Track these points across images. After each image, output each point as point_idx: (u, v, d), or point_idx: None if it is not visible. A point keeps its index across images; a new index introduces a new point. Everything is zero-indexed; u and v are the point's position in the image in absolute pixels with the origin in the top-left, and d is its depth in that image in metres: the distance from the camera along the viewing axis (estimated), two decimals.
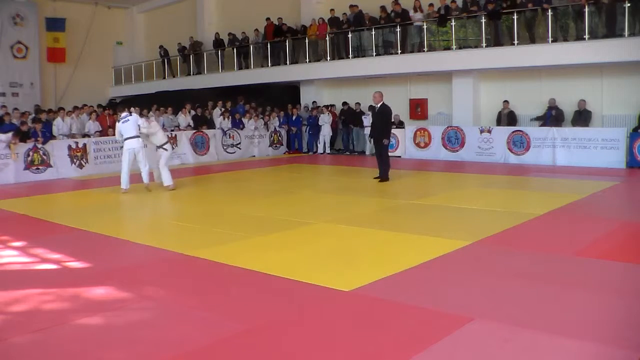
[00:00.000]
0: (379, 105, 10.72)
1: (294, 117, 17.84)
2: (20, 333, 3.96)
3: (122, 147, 10.49)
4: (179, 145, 15.39)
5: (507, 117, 14.38)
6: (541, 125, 13.62)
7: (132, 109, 11.24)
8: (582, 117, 13.29)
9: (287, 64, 18.56)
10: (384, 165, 10.79)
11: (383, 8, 16.29)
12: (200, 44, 21.99)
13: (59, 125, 13.99)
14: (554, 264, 5.27)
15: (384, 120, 10.75)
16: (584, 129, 12.92)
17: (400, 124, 15.85)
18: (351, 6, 17.09)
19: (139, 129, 10.23)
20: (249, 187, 10.98)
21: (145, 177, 10.36)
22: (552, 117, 13.51)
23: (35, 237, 6.94)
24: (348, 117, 16.89)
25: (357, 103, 16.85)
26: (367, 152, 16.21)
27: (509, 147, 13.63)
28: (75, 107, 15.45)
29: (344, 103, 17.17)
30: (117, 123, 10.68)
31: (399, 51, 15.70)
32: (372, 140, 11.14)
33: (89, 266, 5.68)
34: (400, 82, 16.86)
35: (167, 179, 10.43)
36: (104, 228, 7.23)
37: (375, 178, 10.88)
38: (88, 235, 6.98)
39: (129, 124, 10.20)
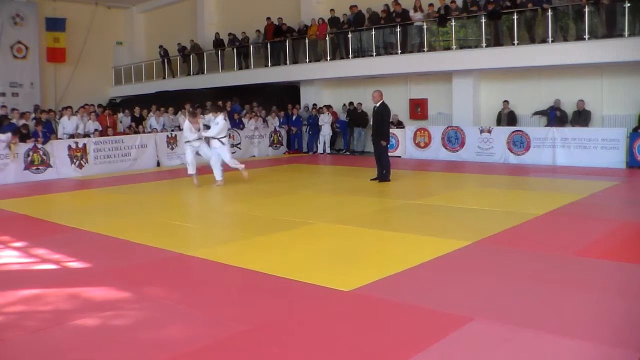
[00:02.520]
0: (377, 105, 10.70)
1: (294, 117, 17.84)
2: (20, 333, 3.96)
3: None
4: (179, 145, 15.37)
5: (507, 117, 14.38)
6: (545, 126, 13.61)
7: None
8: (582, 117, 13.29)
9: (287, 64, 18.55)
10: (383, 167, 10.77)
11: (386, 7, 16.29)
12: (199, 47, 21.96)
13: (64, 123, 13.99)
14: (554, 264, 5.27)
15: (381, 120, 10.73)
16: (584, 129, 12.92)
17: (400, 124, 15.85)
18: (351, 6, 17.09)
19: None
20: (248, 187, 10.97)
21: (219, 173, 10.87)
22: (555, 117, 13.51)
23: (35, 237, 6.94)
24: (353, 118, 16.88)
25: (359, 103, 16.85)
26: None
27: (509, 147, 13.62)
28: (83, 107, 15.44)
29: (350, 103, 17.13)
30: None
31: (399, 51, 15.70)
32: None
33: (88, 266, 5.69)
34: (400, 82, 16.86)
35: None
36: (104, 228, 7.24)
37: (372, 179, 10.86)
38: (88, 235, 6.99)
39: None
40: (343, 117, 17.43)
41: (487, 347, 3.53)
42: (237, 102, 18.01)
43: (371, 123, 11.46)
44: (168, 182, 12.11)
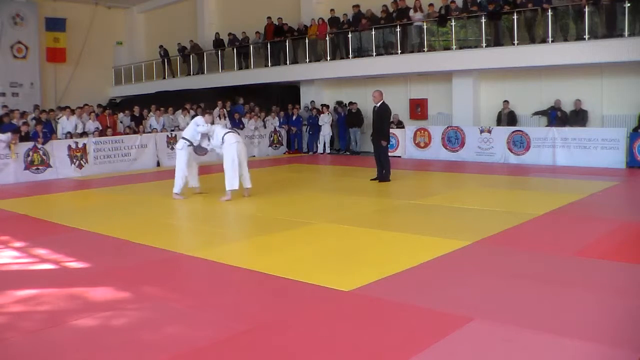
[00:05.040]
0: (378, 105, 10.71)
1: (294, 117, 17.83)
2: (20, 333, 3.96)
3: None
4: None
5: (507, 117, 14.38)
6: (546, 126, 13.61)
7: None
8: (579, 117, 13.30)
9: (287, 64, 18.55)
10: (383, 167, 10.78)
11: (385, 7, 16.29)
12: (199, 47, 21.95)
13: (63, 123, 13.99)
14: (554, 264, 5.27)
15: (382, 120, 10.74)
16: (584, 129, 12.92)
17: (400, 124, 15.84)
18: (353, 6, 17.08)
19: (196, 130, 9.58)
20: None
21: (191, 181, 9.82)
22: (556, 117, 13.51)
23: (35, 237, 6.94)
24: (348, 118, 16.87)
25: (349, 102, 16.86)
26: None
27: (509, 147, 13.62)
28: (83, 106, 15.42)
29: (350, 103, 17.11)
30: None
31: (399, 51, 15.70)
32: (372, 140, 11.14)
33: (88, 266, 5.68)
34: (400, 82, 16.85)
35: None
36: (104, 228, 7.23)
37: (372, 179, 10.86)
38: (88, 235, 6.99)
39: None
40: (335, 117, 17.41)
41: (487, 347, 3.53)
42: (240, 102, 17.88)
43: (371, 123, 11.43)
44: (168, 182, 12.08)
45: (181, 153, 9.61)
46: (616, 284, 4.68)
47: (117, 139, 14.31)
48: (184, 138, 9.73)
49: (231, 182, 9.03)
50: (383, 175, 10.75)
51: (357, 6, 16.97)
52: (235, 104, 17.78)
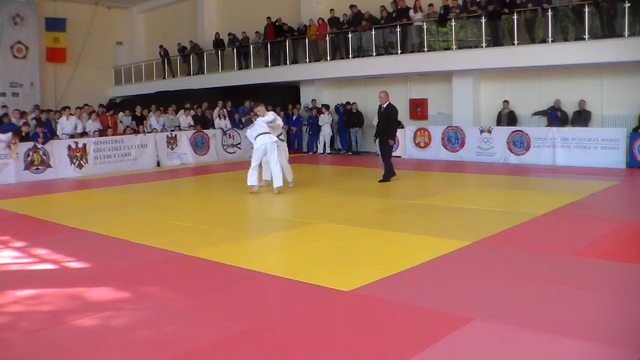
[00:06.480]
0: (385, 105, 10.73)
1: (294, 117, 17.83)
2: (19, 333, 3.96)
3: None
4: (179, 145, 15.40)
5: (507, 117, 14.38)
6: (546, 126, 13.61)
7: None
8: (582, 117, 13.30)
9: (287, 64, 18.55)
10: (386, 166, 10.77)
11: (383, 7, 16.30)
12: (199, 47, 21.94)
13: (63, 124, 14.00)
14: (554, 264, 5.27)
15: (389, 120, 10.76)
16: (584, 129, 12.91)
17: (399, 124, 15.81)
18: (351, 6, 17.09)
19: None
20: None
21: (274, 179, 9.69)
22: (556, 117, 13.51)
23: (35, 237, 6.94)
24: (350, 118, 16.87)
25: (351, 102, 16.89)
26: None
27: (509, 147, 13.62)
28: (83, 106, 15.42)
29: (347, 103, 17.13)
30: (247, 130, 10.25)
31: (399, 51, 15.70)
32: (376, 140, 11.13)
33: (88, 266, 5.68)
34: (400, 82, 16.85)
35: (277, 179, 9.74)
36: (104, 228, 7.23)
37: (380, 181, 10.78)
38: (88, 235, 6.99)
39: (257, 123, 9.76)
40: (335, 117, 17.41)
41: (486, 347, 3.53)
42: (247, 104, 17.78)
43: (373, 123, 11.41)
44: (168, 182, 12.11)
45: (275, 152, 9.65)
46: (616, 284, 4.68)
47: (117, 139, 14.31)
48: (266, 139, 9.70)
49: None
50: (385, 175, 10.74)
51: (355, 6, 16.97)
52: (241, 105, 17.71)
